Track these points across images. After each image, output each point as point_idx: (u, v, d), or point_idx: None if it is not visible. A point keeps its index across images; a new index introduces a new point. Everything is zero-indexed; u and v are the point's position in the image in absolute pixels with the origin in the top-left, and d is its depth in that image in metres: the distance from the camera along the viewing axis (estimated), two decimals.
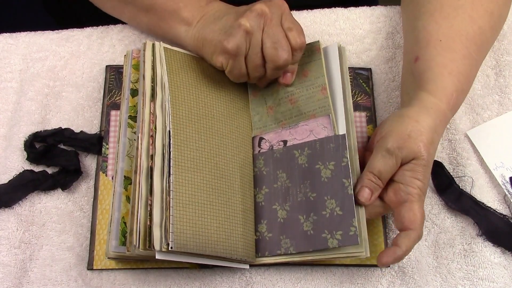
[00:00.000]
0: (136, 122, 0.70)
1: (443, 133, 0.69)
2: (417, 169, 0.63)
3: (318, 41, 0.74)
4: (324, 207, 0.65)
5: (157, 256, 0.61)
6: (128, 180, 0.67)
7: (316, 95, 0.71)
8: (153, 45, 0.71)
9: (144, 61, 0.70)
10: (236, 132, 0.71)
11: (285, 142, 0.70)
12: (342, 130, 0.68)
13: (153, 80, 0.69)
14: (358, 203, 0.64)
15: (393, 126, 0.65)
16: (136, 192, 0.64)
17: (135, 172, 0.65)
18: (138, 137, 0.66)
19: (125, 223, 0.65)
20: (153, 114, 0.67)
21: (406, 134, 0.64)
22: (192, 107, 0.69)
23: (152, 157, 0.64)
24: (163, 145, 0.65)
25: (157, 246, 0.60)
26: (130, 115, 0.70)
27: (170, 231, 0.61)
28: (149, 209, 0.62)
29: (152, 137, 0.65)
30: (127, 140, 0.69)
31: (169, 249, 0.60)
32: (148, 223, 0.62)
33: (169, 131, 0.65)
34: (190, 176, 0.64)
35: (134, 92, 0.71)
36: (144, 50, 0.71)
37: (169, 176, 0.63)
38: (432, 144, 0.65)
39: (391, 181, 0.65)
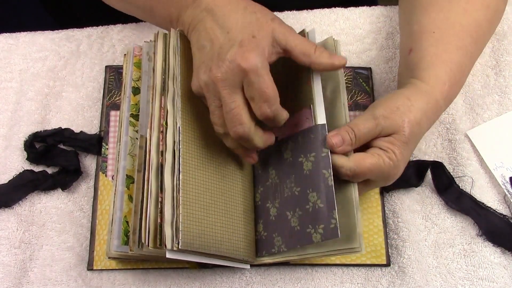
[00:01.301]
0: (137, 120, 0.69)
1: (434, 121, 0.68)
2: (395, 143, 0.63)
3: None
4: (307, 201, 0.63)
5: (168, 255, 0.59)
6: (130, 179, 0.67)
7: (303, 87, 0.68)
8: (166, 35, 0.68)
9: (155, 53, 0.67)
10: None
11: (276, 138, 0.68)
12: (321, 120, 0.64)
13: (165, 72, 0.66)
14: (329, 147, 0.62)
15: (385, 98, 0.66)
16: (145, 189, 0.62)
17: (144, 168, 0.63)
18: (147, 132, 0.65)
19: (127, 222, 0.65)
20: (163, 109, 0.64)
21: (395, 106, 0.64)
22: (199, 102, 0.66)
23: (162, 154, 0.63)
24: (174, 142, 0.63)
25: (169, 245, 0.59)
26: (132, 114, 0.70)
27: (180, 229, 0.59)
28: (159, 206, 0.61)
29: (162, 133, 0.63)
30: (129, 139, 0.68)
31: (179, 247, 0.59)
32: (159, 221, 0.60)
33: (179, 127, 0.63)
34: (197, 174, 0.63)
35: (135, 90, 0.71)
36: (155, 41, 0.68)
37: (179, 173, 0.62)
38: (418, 125, 0.64)
39: (370, 146, 0.64)
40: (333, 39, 0.69)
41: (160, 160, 0.62)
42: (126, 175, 0.67)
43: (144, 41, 0.73)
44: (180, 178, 0.61)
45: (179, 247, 0.59)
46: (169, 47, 0.66)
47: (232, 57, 0.58)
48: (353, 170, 0.61)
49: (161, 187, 0.61)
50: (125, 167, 0.67)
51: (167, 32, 0.68)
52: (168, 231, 0.59)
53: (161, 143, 0.63)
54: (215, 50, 0.61)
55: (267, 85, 0.59)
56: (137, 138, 0.68)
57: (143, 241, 0.60)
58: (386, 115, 0.63)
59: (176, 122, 0.63)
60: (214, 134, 0.65)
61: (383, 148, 0.63)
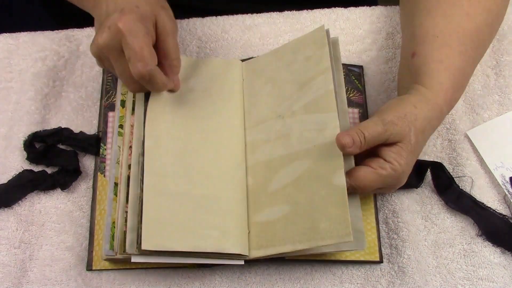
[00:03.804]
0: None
1: (437, 127, 0.69)
2: (401, 153, 0.63)
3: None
4: None
5: (133, 259, 0.61)
6: (117, 187, 0.68)
7: None
8: None
9: None
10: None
11: None
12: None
13: (134, 95, 0.70)
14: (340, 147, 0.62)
15: (392, 104, 0.66)
16: (117, 200, 0.66)
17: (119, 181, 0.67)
18: (120, 147, 0.69)
19: (115, 227, 0.66)
20: (132, 126, 0.68)
21: (403, 113, 0.64)
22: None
23: (129, 166, 0.66)
24: (139, 154, 0.66)
25: (129, 249, 0.61)
26: (121, 124, 0.71)
27: (142, 234, 0.61)
28: (125, 215, 0.64)
29: (131, 148, 0.67)
30: (117, 148, 0.70)
31: (138, 249, 0.61)
32: (124, 229, 0.63)
33: (143, 140, 0.66)
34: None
35: (122, 103, 0.73)
36: None
37: (141, 183, 0.64)
38: (423, 133, 0.65)
39: (375, 156, 0.65)
40: (326, 29, 0.69)
41: (128, 173, 0.66)
42: (114, 183, 0.68)
43: None
44: (144, 183, 0.64)
45: (138, 251, 0.61)
46: None
47: (112, 22, 0.61)
48: (355, 186, 0.63)
49: (127, 198, 0.64)
50: (114, 174, 0.69)
51: None
52: (129, 237, 0.62)
53: (129, 157, 0.67)
54: (103, 19, 0.65)
55: (141, 45, 0.61)
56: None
57: (114, 248, 0.63)
58: (394, 121, 0.63)
59: (140, 135, 0.67)
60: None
61: (388, 160, 0.63)
